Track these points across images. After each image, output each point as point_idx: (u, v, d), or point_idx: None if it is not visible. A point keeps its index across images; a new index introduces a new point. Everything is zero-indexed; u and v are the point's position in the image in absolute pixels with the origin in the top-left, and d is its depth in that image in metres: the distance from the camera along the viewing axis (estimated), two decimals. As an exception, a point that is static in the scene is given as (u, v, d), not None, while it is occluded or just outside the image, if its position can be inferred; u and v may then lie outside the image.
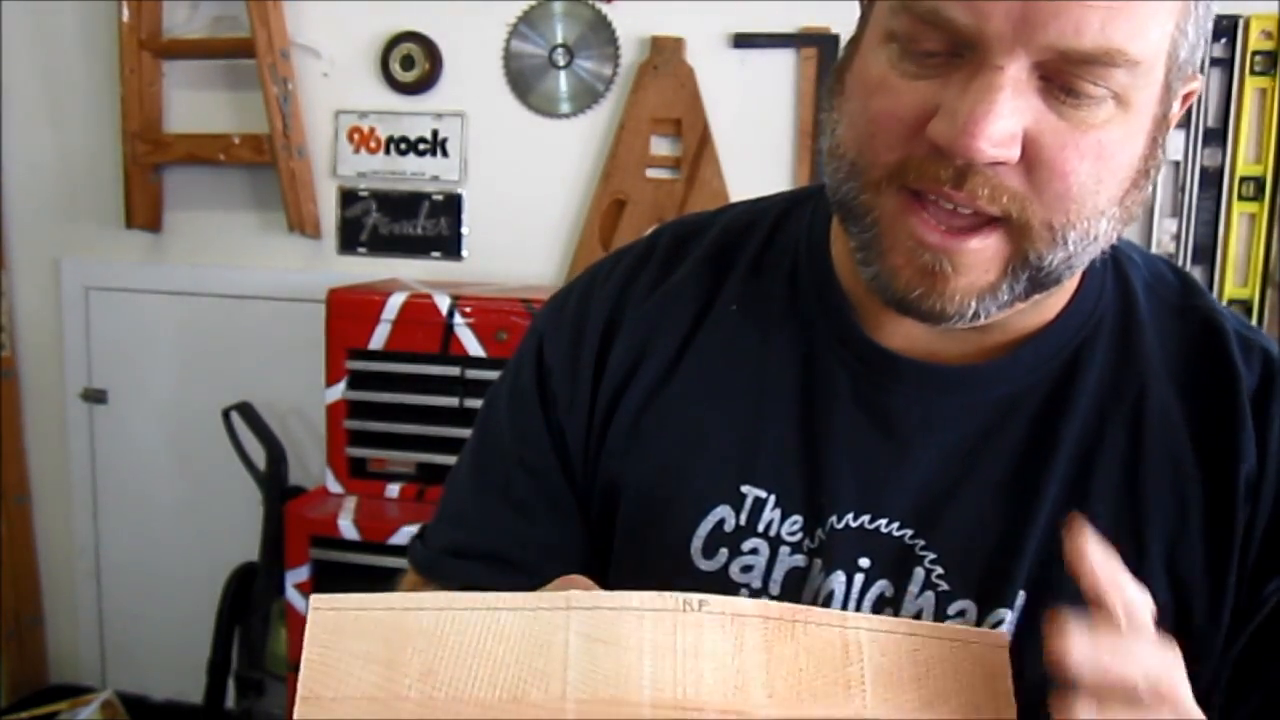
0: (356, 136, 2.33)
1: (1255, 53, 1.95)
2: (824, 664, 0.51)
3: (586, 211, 2.24)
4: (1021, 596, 0.67)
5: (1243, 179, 1.99)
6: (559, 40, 2.22)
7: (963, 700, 0.52)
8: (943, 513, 0.69)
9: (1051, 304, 0.69)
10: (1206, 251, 2.02)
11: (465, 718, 0.48)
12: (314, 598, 0.50)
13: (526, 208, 2.28)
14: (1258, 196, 1.99)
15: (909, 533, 0.69)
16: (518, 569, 0.77)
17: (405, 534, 1.92)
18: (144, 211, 2.38)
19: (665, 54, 2.17)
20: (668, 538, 0.72)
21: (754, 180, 2.14)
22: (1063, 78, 0.56)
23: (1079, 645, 0.49)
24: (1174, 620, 0.66)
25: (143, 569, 2.56)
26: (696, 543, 0.72)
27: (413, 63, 2.27)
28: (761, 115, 2.17)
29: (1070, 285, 0.69)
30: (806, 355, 0.72)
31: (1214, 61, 1.97)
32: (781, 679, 0.50)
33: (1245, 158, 1.99)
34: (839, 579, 0.69)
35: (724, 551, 0.71)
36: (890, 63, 0.59)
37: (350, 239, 2.37)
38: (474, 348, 1.99)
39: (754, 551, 0.71)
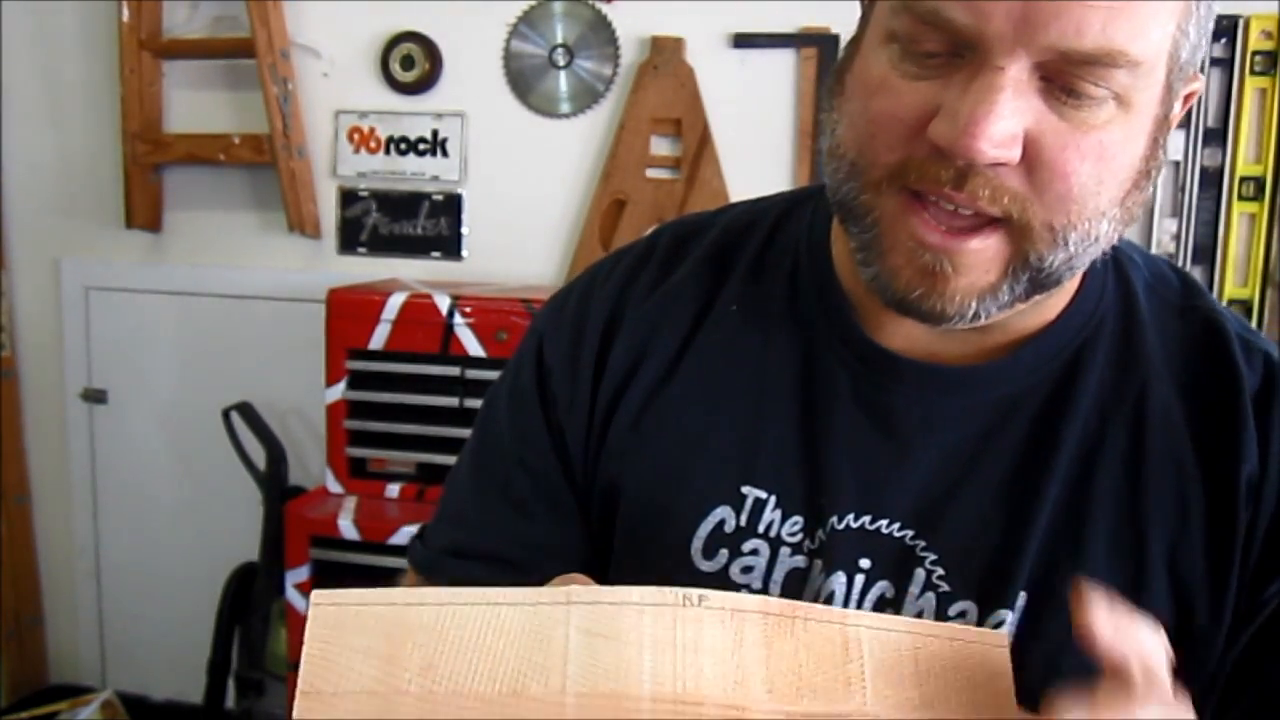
0: (356, 136, 2.33)
1: (1255, 53, 1.95)
2: (824, 660, 0.51)
3: (586, 211, 2.24)
4: (1022, 597, 0.67)
5: (1243, 179, 1.99)
6: (559, 40, 2.22)
7: (964, 699, 0.52)
8: (943, 513, 0.69)
9: (1052, 305, 0.69)
10: (1206, 251, 2.02)
11: (465, 711, 0.48)
12: (315, 593, 0.50)
13: (526, 208, 2.28)
14: (1258, 196, 1.99)
15: (910, 533, 0.69)
16: (517, 569, 0.77)
17: (405, 534, 1.92)
18: (144, 211, 2.39)
19: (665, 54, 2.17)
20: (668, 538, 0.72)
21: (754, 180, 2.15)
22: (1064, 78, 0.56)
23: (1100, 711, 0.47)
24: (1175, 621, 0.66)
25: (143, 569, 2.56)
26: (697, 543, 0.72)
27: (413, 63, 2.27)
28: (761, 115, 2.17)
29: (1071, 286, 0.69)
30: (807, 355, 0.72)
31: (1214, 61, 1.97)
32: (781, 675, 0.50)
33: (1245, 158, 1.99)
34: (839, 580, 0.69)
35: (724, 552, 0.71)
36: (891, 63, 0.59)
37: (350, 239, 2.37)
38: (474, 348, 1.99)
39: (754, 552, 0.71)
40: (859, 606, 0.69)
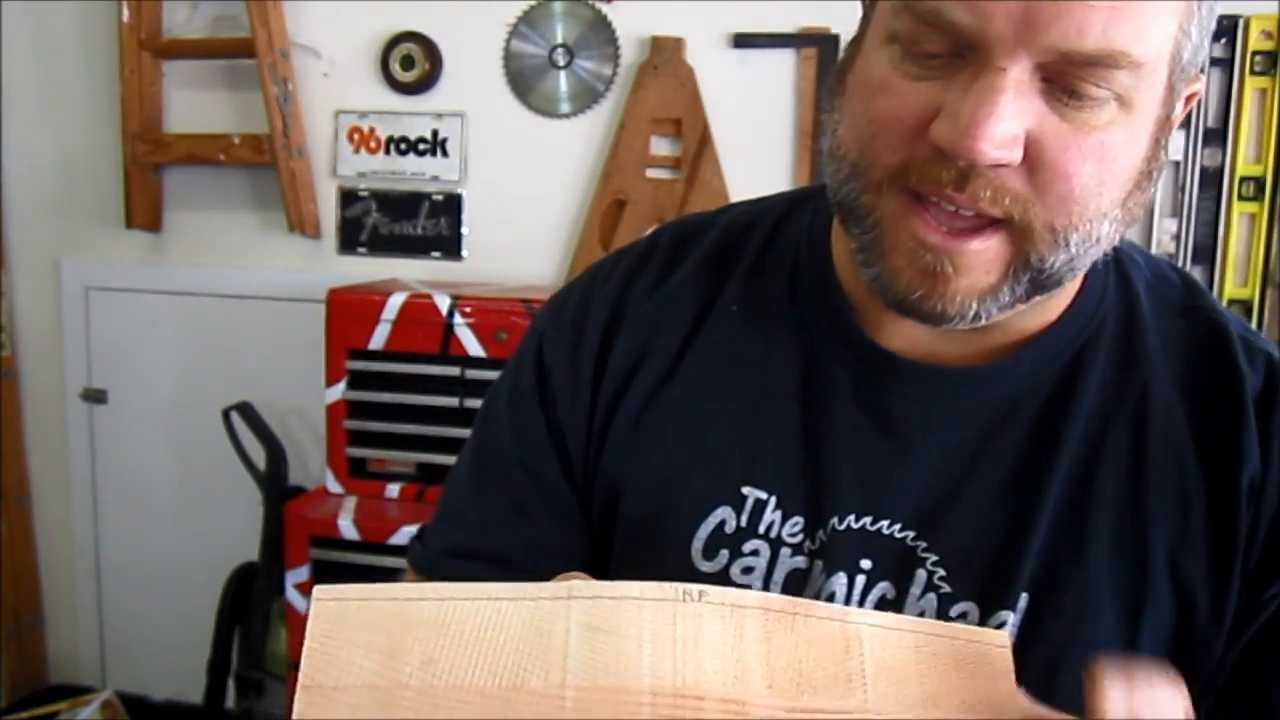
0: (356, 136, 2.33)
1: (1255, 53, 1.95)
2: (824, 657, 0.51)
3: (586, 211, 2.24)
4: (1024, 598, 0.67)
5: (1243, 179, 1.99)
6: (559, 40, 2.22)
7: (965, 699, 0.51)
8: (944, 514, 0.68)
9: (1053, 305, 0.69)
10: (1206, 251, 2.02)
11: (465, 705, 0.48)
12: (317, 588, 0.50)
13: (526, 208, 2.28)
14: (1258, 196, 1.99)
15: (910, 534, 0.69)
16: (517, 569, 0.76)
17: (405, 534, 1.92)
18: (144, 211, 2.38)
19: (665, 54, 2.16)
20: (668, 539, 0.72)
21: (754, 180, 2.15)
22: (1065, 79, 0.56)
23: None
24: (1176, 622, 0.66)
25: (143, 569, 2.56)
26: (697, 544, 0.72)
27: (413, 63, 2.27)
28: (761, 115, 2.17)
29: (1072, 287, 0.69)
30: (807, 356, 0.72)
31: (1214, 61, 1.97)
32: (782, 671, 0.50)
33: (1245, 158, 1.99)
34: (840, 581, 0.69)
35: (725, 553, 0.71)
36: (892, 64, 0.59)
37: (350, 239, 2.37)
38: (474, 348, 1.99)
39: (755, 553, 0.71)
40: (860, 607, 0.69)
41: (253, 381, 2.34)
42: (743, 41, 2.15)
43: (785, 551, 0.71)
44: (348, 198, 2.36)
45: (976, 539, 0.68)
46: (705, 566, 0.71)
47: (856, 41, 0.64)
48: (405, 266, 2.35)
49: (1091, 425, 0.68)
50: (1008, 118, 0.55)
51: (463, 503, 0.81)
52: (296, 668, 0.49)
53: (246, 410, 2.21)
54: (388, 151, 2.32)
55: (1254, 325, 1.79)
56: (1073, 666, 0.65)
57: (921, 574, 0.68)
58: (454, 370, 2.00)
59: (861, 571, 0.69)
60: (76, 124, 2.46)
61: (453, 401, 2.00)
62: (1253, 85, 1.97)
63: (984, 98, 0.55)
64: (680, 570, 0.71)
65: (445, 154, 2.30)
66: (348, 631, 0.49)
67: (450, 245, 2.33)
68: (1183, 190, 2.02)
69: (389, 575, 1.83)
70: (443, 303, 1.99)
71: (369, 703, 0.48)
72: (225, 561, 2.30)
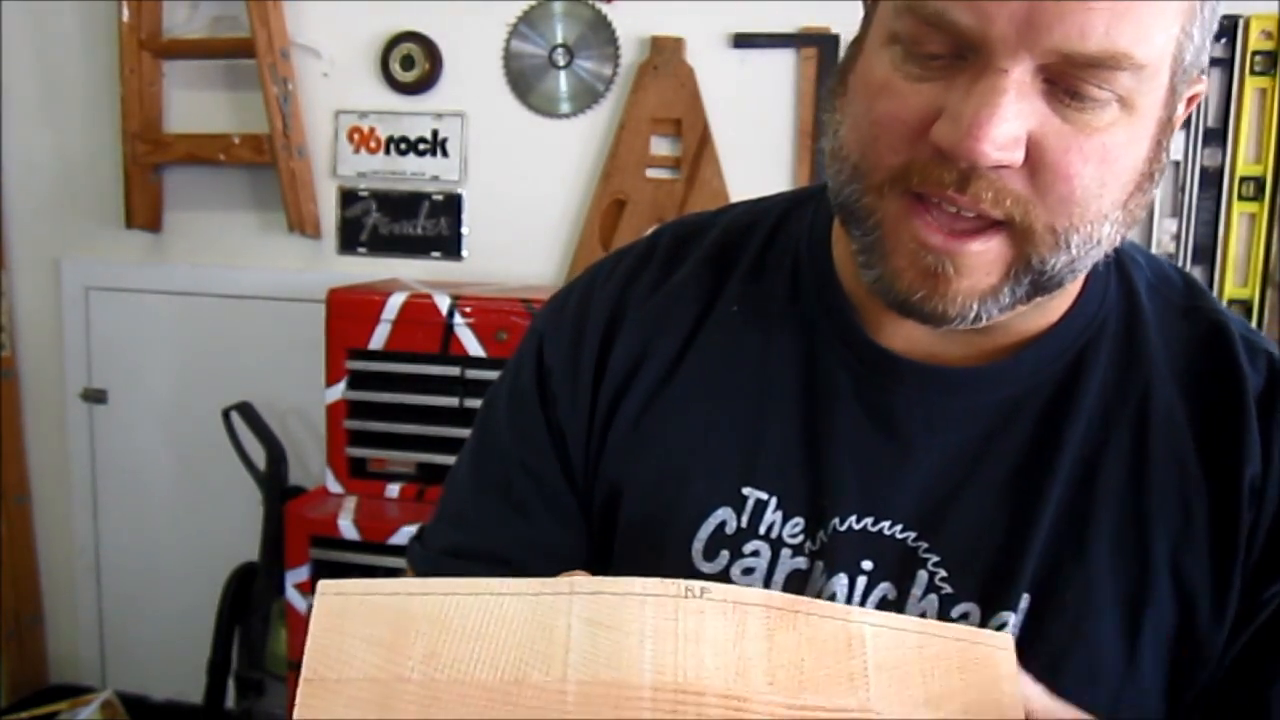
0: (356, 136, 2.33)
1: (1255, 53, 1.95)
2: (826, 656, 0.51)
3: (586, 211, 2.24)
4: (1025, 599, 0.67)
5: (1243, 179, 1.99)
6: (559, 40, 2.22)
7: (968, 700, 0.51)
8: (946, 515, 0.68)
9: (1055, 306, 0.69)
10: (1206, 251, 2.02)
11: (466, 699, 0.48)
12: (321, 583, 0.50)
13: (526, 208, 2.28)
14: (1258, 196, 1.99)
15: (912, 535, 0.69)
16: (517, 570, 0.76)
17: (405, 534, 1.92)
18: (144, 211, 2.38)
19: (665, 54, 2.16)
20: (669, 539, 0.72)
21: (754, 180, 2.14)
22: (1067, 81, 0.56)
23: None
24: (1178, 622, 0.66)
25: (143, 569, 2.56)
26: (697, 545, 0.72)
27: (413, 63, 2.27)
28: (761, 115, 2.17)
29: (1074, 288, 0.69)
30: (808, 356, 0.72)
31: (1214, 61, 1.96)
32: (783, 668, 0.50)
33: (1245, 158, 1.99)
34: (841, 581, 0.69)
35: (725, 554, 0.71)
36: (894, 65, 0.59)
37: (350, 239, 2.37)
38: (474, 348, 1.98)
39: (755, 554, 0.71)
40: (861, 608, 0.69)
41: (253, 381, 2.33)
42: (743, 41, 2.15)
43: (786, 552, 0.71)
44: (348, 198, 2.36)
45: (978, 540, 0.68)
46: (706, 567, 0.71)
47: (858, 42, 0.64)
48: (405, 266, 2.35)
49: (1093, 426, 0.68)
50: (1009, 119, 0.55)
51: (462, 503, 0.81)
52: (296, 668, 0.49)
53: (246, 410, 2.21)
54: (388, 151, 2.32)
55: (1254, 325, 1.79)
56: (1074, 667, 0.65)
57: (923, 575, 0.68)
58: (454, 370, 2.00)
59: (862, 572, 0.69)
60: (76, 124, 2.46)
61: (453, 401, 2.00)
62: (1253, 85, 1.97)
63: (986, 99, 0.55)
64: (680, 571, 0.71)
65: (445, 154, 2.30)
66: (350, 625, 0.49)
67: (450, 245, 2.33)
68: (1183, 190, 2.01)
69: (389, 575, 1.83)
70: (443, 303, 1.99)
71: (371, 696, 0.48)
72: (225, 561, 2.30)
